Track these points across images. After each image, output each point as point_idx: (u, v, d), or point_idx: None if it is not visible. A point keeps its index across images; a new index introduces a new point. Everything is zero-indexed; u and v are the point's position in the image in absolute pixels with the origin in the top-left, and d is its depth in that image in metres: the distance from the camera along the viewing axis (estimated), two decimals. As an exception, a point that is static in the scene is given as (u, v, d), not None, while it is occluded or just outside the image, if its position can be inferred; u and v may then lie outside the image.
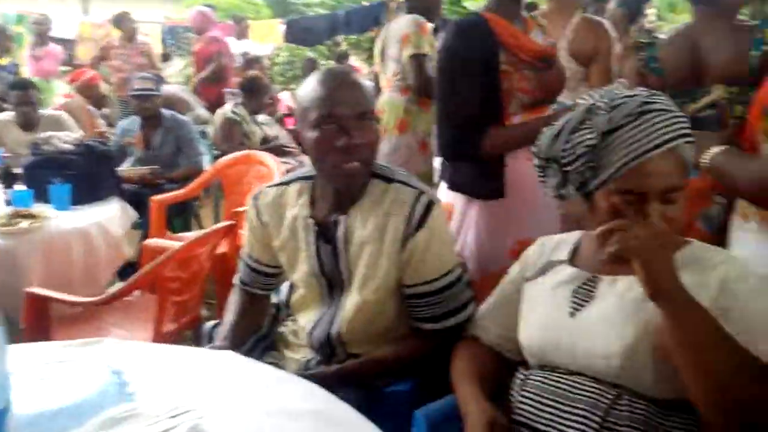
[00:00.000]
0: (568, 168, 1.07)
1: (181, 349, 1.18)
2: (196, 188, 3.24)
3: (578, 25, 2.33)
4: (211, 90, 5.36)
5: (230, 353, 1.17)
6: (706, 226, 1.91)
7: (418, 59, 2.63)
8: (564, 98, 2.37)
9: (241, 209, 2.74)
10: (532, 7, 3.99)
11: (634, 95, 1.04)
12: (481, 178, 1.73)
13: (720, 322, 0.91)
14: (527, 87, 1.73)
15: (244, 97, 3.95)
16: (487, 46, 1.67)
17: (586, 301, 1.07)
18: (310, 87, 1.27)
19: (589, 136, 1.03)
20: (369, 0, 7.81)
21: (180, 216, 3.41)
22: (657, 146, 1.00)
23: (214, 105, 4.95)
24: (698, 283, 0.97)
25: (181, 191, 3.14)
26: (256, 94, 3.94)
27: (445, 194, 1.86)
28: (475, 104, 1.67)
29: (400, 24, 2.72)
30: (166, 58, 7.29)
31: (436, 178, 2.63)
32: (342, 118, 1.22)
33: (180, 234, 3.20)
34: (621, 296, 1.03)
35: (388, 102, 2.76)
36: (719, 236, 1.89)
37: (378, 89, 3.00)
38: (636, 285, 1.01)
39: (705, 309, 0.91)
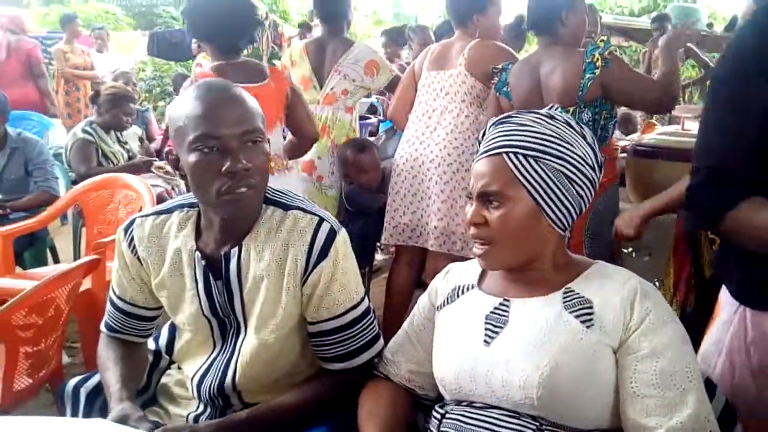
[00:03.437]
0: None
1: (40, 421, 0.96)
2: (51, 216, 2.88)
3: (475, 44, 2.42)
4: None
5: (101, 422, 0.97)
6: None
7: (397, 76, 2.77)
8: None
9: (107, 239, 2.46)
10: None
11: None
12: (749, 269, 1.05)
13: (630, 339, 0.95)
14: None
15: (96, 113, 3.56)
16: None
17: (500, 327, 1.03)
18: (185, 103, 1.11)
19: None
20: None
21: (31, 249, 3.00)
22: (482, 153, 1.05)
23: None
24: (604, 299, 0.97)
25: (32, 221, 2.77)
26: (110, 108, 3.51)
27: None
28: (743, 147, 0.98)
29: (361, 49, 2.71)
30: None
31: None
32: (225, 138, 1.08)
33: (33, 270, 2.82)
34: (534, 319, 1.00)
35: (336, 119, 2.71)
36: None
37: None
38: (546, 305, 1.00)
39: None
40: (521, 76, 2.16)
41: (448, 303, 1.14)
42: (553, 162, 1.01)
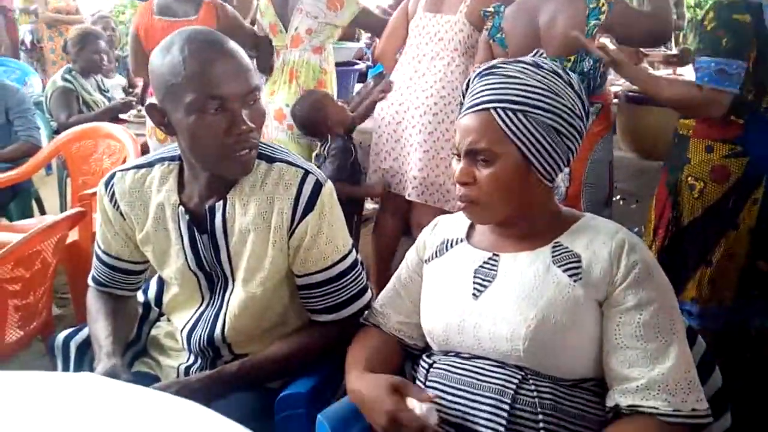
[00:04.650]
0: None
1: (29, 377, 0.97)
2: (34, 168, 2.83)
3: None
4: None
5: (91, 376, 0.98)
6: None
7: (366, 10, 2.68)
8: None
9: (91, 191, 2.43)
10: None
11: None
12: None
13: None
14: None
15: (72, 60, 3.44)
16: None
17: (489, 281, 1.03)
18: (176, 56, 1.03)
19: None
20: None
21: (16, 200, 2.96)
22: (468, 108, 1.02)
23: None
24: (593, 252, 0.98)
25: (15, 172, 2.73)
26: (79, 51, 3.36)
27: None
28: None
29: None
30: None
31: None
32: (227, 99, 1.04)
33: (19, 222, 2.78)
34: (521, 273, 1.01)
35: (303, 62, 2.59)
36: (565, 204, 2.00)
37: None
38: (535, 259, 1.01)
39: None
40: (517, 22, 2.03)
41: (436, 256, 1.13)
42: (542, 116, 0.99)
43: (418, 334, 1.15)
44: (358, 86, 3.78)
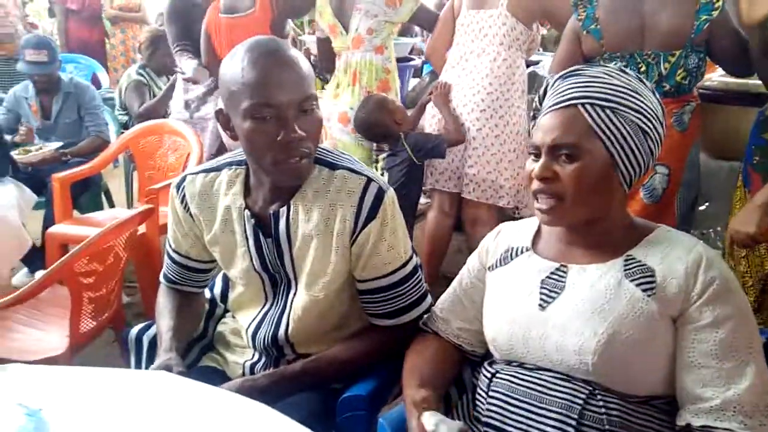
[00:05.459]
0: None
1: (105, 373, 1.02)
2: (104, 162, 2.95)
3: None
4: (82, 30, 5.14)
5: (164, 375, 1.02)
6: (647, 197, 1.93)
7: (423, 6, 2.65)
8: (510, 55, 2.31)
9: (157, 186, 2.54)
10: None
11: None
12: None
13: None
14: None
15: (146, 58, 3.59)
16: None
17: (557, 293, 1.01)
18: (237, 65, 1.08)
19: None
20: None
21: (87, 193, 3.11)
22: (553, 105, 1.01)
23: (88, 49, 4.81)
24: (668, 267, 0.95)
25: (86, 167, 2.85)
26: (151, 53, 3.55)
27: None
28: None
29: None
30: (51, 13, 6.54)
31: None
32: (280, 107, 1.06)
33: (89, 215, 2.93)
34: (592, 286, 0.98)
35: (366, 63, 2.56)
36: (659, 206, 1.92)
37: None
38: (606, 272, 0.98)
39: None
40: (618, 12, 1.85)
41: (500, 265, 1.12)
42: (631, 114, 0.97)
43: (478, 340, 1.15)
44: (413, 81, 3.76)
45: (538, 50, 3.69)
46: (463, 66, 2.37)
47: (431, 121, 2.48)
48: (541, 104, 1.06)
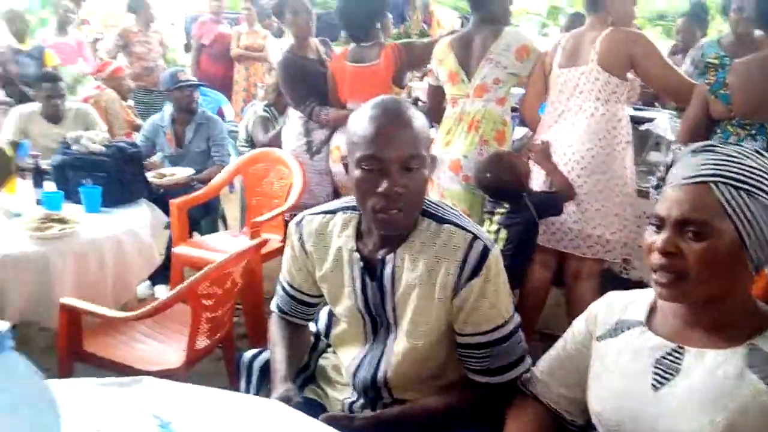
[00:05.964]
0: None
1: (229, 397, 1.13)
2: (219, 186, 3.18)
3: (607, 36, 2.25)
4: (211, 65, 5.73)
5: (282, 405, 1.11)
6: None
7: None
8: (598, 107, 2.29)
9: (262, 218, 2.73)
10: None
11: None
12: None
13: None
14: None
15: (270, 100, 3.87)
16: None
17: (671, 375, 0.98)
18: (361, 119, 1.19)
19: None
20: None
21: (208, 217, 3.38)
22: (683, 179, 0.98)
23: (216, 84, 5.30)
24: None
25: (200, 192, 3.08)
26: (275, 98, 3.79)
27: None
28: None
29: (512, 34, 2.53)
30: (187, 49, 7.16)
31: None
32: (386, 161, 1.15)
33: (202, 238, 3.17)
34: (711, 372, 0.95)
35: (486, 112, 2.52)
36: None
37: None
38: (726, 360, 0.94)
39: None
40: (752, 77, 1.80)
41: (610, 336, 1.10)
42: (766, 199, 0.94)
43: (578, 410, 1.14)
44: (518, 130, 3.77)
45: (655, 105, 3.60)
46: (562, 124, 2.37)
47: (538, 180, 2.47)
48: (666, 174, 1.04)
